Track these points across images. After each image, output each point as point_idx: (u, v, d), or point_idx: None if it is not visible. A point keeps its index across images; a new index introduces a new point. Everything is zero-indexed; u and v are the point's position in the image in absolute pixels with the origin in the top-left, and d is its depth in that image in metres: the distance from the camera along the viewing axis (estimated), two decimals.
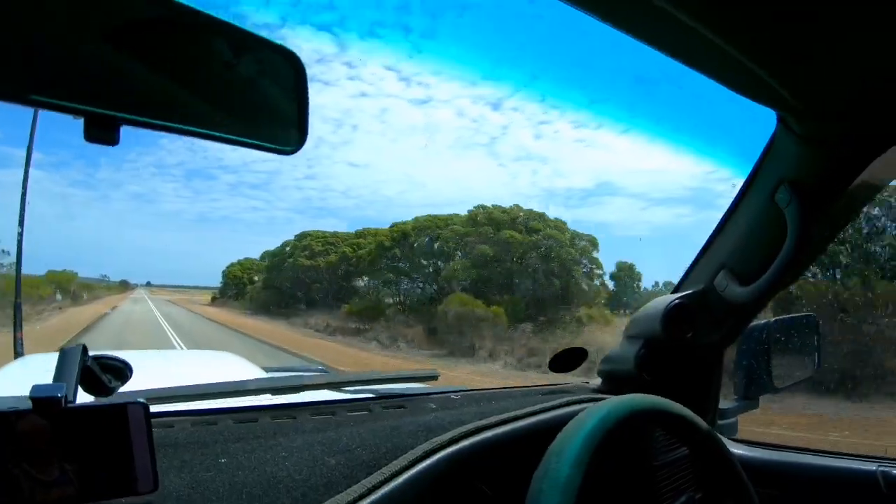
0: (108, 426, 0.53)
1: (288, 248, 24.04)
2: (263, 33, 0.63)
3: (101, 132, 0.49)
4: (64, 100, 0.47)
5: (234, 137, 0.55)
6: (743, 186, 0.94)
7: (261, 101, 0.58)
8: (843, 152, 0.80)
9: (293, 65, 0.58)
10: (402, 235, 19.05)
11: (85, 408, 0.53)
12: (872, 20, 0.56)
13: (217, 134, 0.55)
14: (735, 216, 0.96)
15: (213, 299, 33.39)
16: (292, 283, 23.09)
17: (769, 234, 0.88)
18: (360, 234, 21.74)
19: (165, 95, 0.52)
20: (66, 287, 23.68)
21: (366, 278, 20.36)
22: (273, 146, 0.57)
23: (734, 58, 0.60)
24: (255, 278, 27.91)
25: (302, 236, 23.62)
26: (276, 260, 24.90)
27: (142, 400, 0.55)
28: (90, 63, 0.49)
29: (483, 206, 17.84)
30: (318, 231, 23.69)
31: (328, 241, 22.55)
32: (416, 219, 19.16)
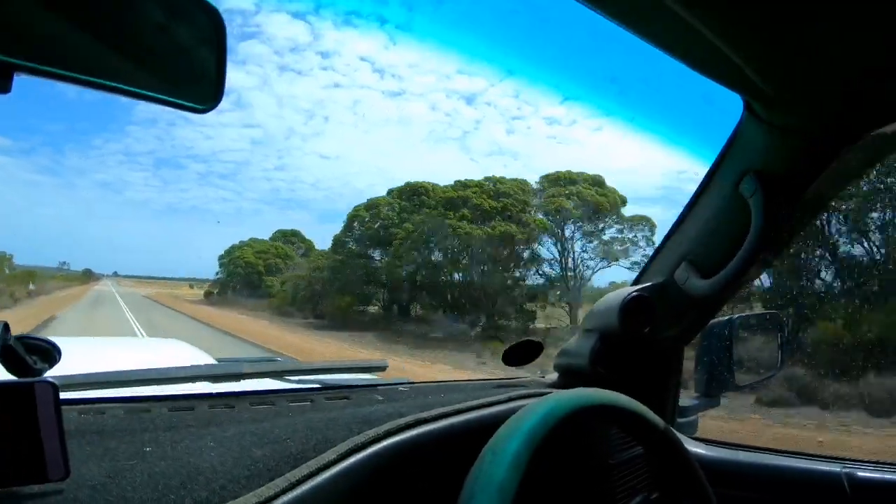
0: (13, 407, 0.50)
1: (386, 210, 14.76)
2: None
3: None
4: None
5: (144, 92, 0.53)
6: (706, 176, 0.92)
7: (177, 55, 0.55)
8: (811, 142, 0.79)
9: (213, 20, 0.55)
10: None
11: None
12: (844, 8, 0.56)
13: (126, 88, 0.52)
14: (698, 207, 0.95)
15: (208, 294, 27.30)
16: (426, 274, 13.45)
17: (732, 225, 0.87)
18: (560, 177, 13.17)
19: (66, 43, 0.49)
20: None
21: None
22: (187, 104, 0.54)
23: (703, 37, 0.59)
24: (280, 266, 21.31)
25: (413, 190, 14.36)
26: (365, 228, 15.34)
27: (50, 379, 0.52)
28: None
29: None
30: (430, 184, 14.41)
31: (499, 190, 13.44)
32: None
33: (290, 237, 23.76)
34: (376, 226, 15.26)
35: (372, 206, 15.75)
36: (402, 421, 0.74)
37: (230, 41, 0.60)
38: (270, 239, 23.64)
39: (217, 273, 26.21)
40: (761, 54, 0.63)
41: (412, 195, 14.69)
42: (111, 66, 0.52)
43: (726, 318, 1.07)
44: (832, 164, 0.81)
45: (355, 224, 15.95)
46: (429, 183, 14.83)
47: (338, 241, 16.63)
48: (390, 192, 15.57)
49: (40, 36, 0.48)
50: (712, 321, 1.05)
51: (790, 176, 0.82)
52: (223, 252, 25.23)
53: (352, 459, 0.67)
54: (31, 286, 22.30)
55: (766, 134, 0.80)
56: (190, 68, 0.55)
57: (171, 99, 0.54)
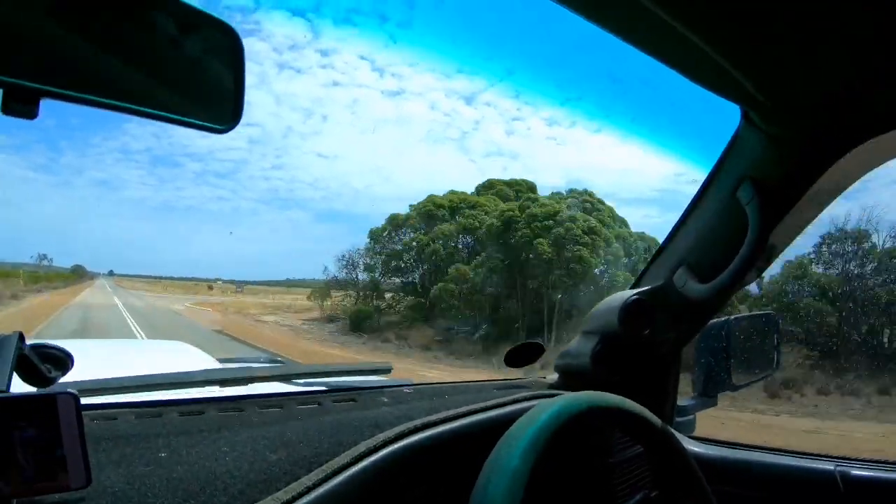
0: (36, 418, 0.51)
1: None
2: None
3: (20, 105, 0.49)
4: None
5: (165, 115, 0.56)
6: (705, 182, 0.96)
7: (198, 78, 0.58)
8: (806, 151, 0.83)
9: (232, 41, 0.58)
10: None
11: (10, 398, 0.53)
12: (836, 23, 0.59)
13: (148, 110, 0.55)
14: (696, 212, 0.99)
15: (360, 320, 14.94)
16: None
17: (730, 231, 0.91)
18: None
19: (90, 69, 0.52)
20: None
21: None
22: (208, 124, 0.57)
23: (700, 50, 0.62)
24: (598, 242, 12.16)
25: None
26: None
27: (72, 391, 0.54)
28: (11, 32, 0.48)
29: None
30: None
31: None
32: None
33: (521, 190, 13.18)
34: None
35: None
36: (412, 424, 0.78)
37: None
38: (482, 192, 13.15)
39: (362, 264, 13.84)
40: (758, 68, 0.67)
41: None
42: (132, 88, 0.55)
43: (723, 319, 1.12)
44: (826, 173, 0.85)
45: None
46: None
47: None
48: None
49: (65, 61, 0.51)
50: (710, 322, 1.10)
51: (786, 183, 0.86)
52: (384, 221, 13.66)
53: (365, 462, 0.70)
54: None
55: (763, 142, 0.84)
56: (211, 92, 0.58)
57: (193, 121, 0.57)
